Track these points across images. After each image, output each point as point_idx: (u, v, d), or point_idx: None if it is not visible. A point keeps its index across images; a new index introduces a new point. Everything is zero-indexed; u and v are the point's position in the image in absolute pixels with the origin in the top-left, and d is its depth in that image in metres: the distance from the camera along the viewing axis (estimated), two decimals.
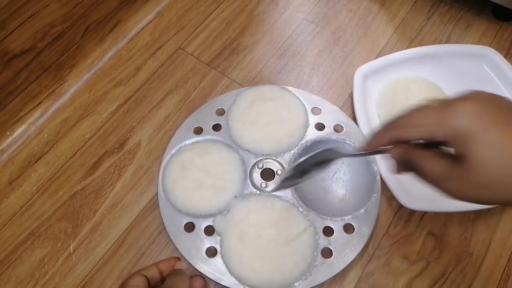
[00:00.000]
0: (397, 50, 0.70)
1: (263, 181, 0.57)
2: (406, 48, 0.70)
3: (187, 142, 0.60)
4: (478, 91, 0.30)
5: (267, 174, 0.58)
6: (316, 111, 0.62)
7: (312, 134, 0.59)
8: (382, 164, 0.57)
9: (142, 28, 0.74)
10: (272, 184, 0.56)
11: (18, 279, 0.54)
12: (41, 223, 0.57)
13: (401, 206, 0.57)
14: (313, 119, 0.61)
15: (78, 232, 0.57)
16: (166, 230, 0.54)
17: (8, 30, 0.71)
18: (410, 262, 0.54)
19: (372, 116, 0.63)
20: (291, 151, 0.58)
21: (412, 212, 0.57)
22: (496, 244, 0.55)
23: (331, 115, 0.61)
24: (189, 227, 0.54)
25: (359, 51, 0.71)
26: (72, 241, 0.56)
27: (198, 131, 0.61)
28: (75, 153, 0.62)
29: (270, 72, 0.69)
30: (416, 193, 0.56)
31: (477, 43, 0.71)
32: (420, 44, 0.71)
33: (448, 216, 0.57)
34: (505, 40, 0.71)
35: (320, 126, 0.60)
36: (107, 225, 0.57)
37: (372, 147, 0.36)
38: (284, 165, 0.58)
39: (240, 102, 0.62)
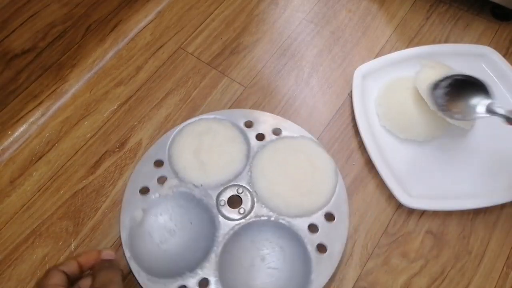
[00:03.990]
0: (396, 49, 0.71)
1: (238, 208, 0.56)
2: (405, 48, 0.70)
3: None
4: None
5: (235, 201, 0.56)
6: (248, 123, 0.62)
7: (255, 144, 0.60)
8: (382, 164, 0.58)
9: (143, 28, 0.74)
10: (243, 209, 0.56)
11: (19, 277, 0.54)
12: (42, 222, 0.58)
13: (400, 205, 0.57)
14: (250, 132, 0.61)
15: (79, 231, 0.57)
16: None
17: (9, 29, 0.72)
18: (409, 261, 0.55)
19: (371, 115, 0.63)
20: (243, 173, 0.58)
21: (411, 211, 0.57)
22: (495, 243, 0.56)
23: (265, 123, 0.62)
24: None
25: (358, 51, 0.71)
26: (73, 240, 0.57)
27: (145, 191, 0.57)
28: (76, 152, 0.63)
29: (270, 71, 0.69)
30: (415, 192, 0.56)
31: (476, 43, 0.71)
32: (419, 43, 0.72)
33: (447, 215, 0.57)
34: (504, 39, 0.72)
35: (260, 136, 0.61)
36: (108, 223, 0.57)
37: None
38: (240, 183, 0.57)
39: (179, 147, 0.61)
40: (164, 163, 0.59)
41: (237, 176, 0.58)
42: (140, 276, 0.52)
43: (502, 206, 0.57)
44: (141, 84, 0.69)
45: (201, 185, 0.57)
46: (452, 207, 0.56)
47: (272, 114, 0.63)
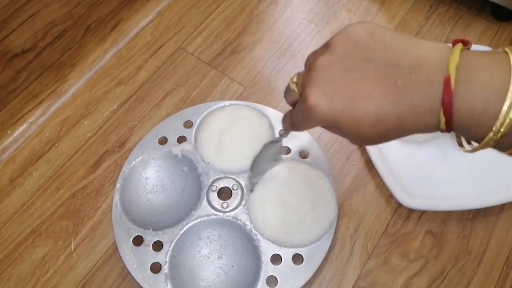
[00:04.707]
0: None
1: (223, 201, 0.56)
2: None
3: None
4: (322, 56, 0.31)
5: (225, 193, 0.57)
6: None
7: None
8: (382, 164, 0.58)
9: (143, 28, 0.74)
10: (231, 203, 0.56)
11: (19, 277, 0.54)
12: (42, 221, 0.58)
13: (400, 205, 0.57)
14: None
15: (79, 231, 0.57)
16: None
17: (9, 29, 0.72)
18: (409, 261, 0.55)
19: None
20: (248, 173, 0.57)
21: (411, 211, 0.57)
22: (495, 243, 0.56)
23: (298, 139, 0.60)
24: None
25: None
26: (73, 240, 0.57)
27: (162, 141, 0.60)
28: (76, 152, 0.63)
29: (270, 71, 0.69)
30: (415, 192, 0.56)
31: (476, 43, 0.71)
32: None
33: (446, 215, 0.57)
34: (504, 40, 0.72)
35: (286, 150, 0.59)
36: (108, 223, 0.57)
37: (287, 133, 0.41)
38: (239, 180, 0.57)
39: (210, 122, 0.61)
40: (192, 126, 0.61)
41: (242, 172, 0.57)
42: (117, 208, 0.55)
43: (502, 206, 0.57)
44: (141, 84, 0.69)
45: (208, 162, 0.58)
46: (452, 207, 0.56)
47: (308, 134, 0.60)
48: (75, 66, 0.70)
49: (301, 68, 0.74)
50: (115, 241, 0.56)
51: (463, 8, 0.75)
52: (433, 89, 0.26)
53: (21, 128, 0.65)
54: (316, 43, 0.72)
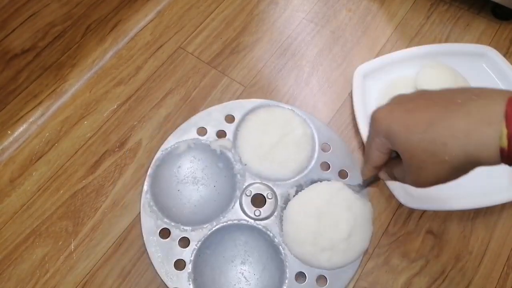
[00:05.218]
0: (397, 49, 0.71)
1: (256, 209, 0.54)
2: (405, 47, 0.70)
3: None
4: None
5: (259, 200, 0.55)
6: (326, 147, 0.58)
7: (315, 172, 0.57)
8: None
9: (143, 28, 0.74)
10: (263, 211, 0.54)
11: (19, 277, 0.54)
12: (42, 221, 0.58)
13: (400, 205, 0.57)
14: (321, 157, 0.57)
15: (79, 231, 0.57)
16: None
17: (9, 29, 0.71)
18: (410, 260, 0.55)
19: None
20: (286, 181, 0.56)
21: (411, 211, 0.57)
22: (495, 243, 0.55)
23: (340, 157, 0.57)
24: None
25: (358, 50, 0.71)
26: (73, 240, 0.56)
27: (201, 132, 0.60)
28: (76, 152, 0.63)
29: (270, 71, 0.69)
30: (415, 192, 0.56)
31: (477, 42, 0.71)
32: (419, 43, 0.71)
33: (447, 215, 0.57)
34: (504, 39, 0.72)
35: (325, 166, 0.57)
36: (108, 223, 0.57)
37: (366, 178, 0.46)
38: (274, 189, 0.55)
39: (253, 120, 0.59)
40: (234, 122, 0.59)
41: (278, 180, 0.55)
42: (146, 195, 0.54)
43: (502, 206, 0.57)
44: (141, 83, 0.68)
45: (245, 164, 0.56)
46: (452, 207, 0.56)
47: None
48: (75, 66, 0.70)
49: (300, 67, 0.74)
50: (115, 242, 0.56)
51: (464, 7, 0.75)
52: (494, 104, 0.27)
53: (21, 128, 0.65)
54: (316, 43, 0.72)
